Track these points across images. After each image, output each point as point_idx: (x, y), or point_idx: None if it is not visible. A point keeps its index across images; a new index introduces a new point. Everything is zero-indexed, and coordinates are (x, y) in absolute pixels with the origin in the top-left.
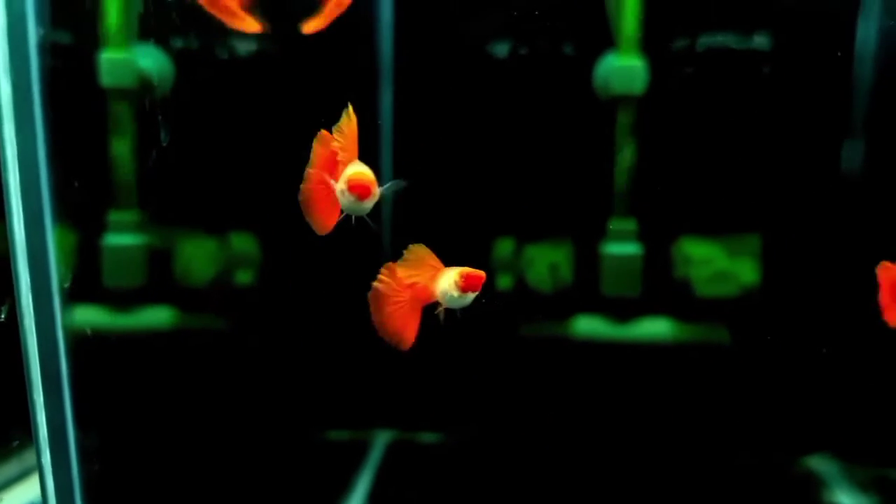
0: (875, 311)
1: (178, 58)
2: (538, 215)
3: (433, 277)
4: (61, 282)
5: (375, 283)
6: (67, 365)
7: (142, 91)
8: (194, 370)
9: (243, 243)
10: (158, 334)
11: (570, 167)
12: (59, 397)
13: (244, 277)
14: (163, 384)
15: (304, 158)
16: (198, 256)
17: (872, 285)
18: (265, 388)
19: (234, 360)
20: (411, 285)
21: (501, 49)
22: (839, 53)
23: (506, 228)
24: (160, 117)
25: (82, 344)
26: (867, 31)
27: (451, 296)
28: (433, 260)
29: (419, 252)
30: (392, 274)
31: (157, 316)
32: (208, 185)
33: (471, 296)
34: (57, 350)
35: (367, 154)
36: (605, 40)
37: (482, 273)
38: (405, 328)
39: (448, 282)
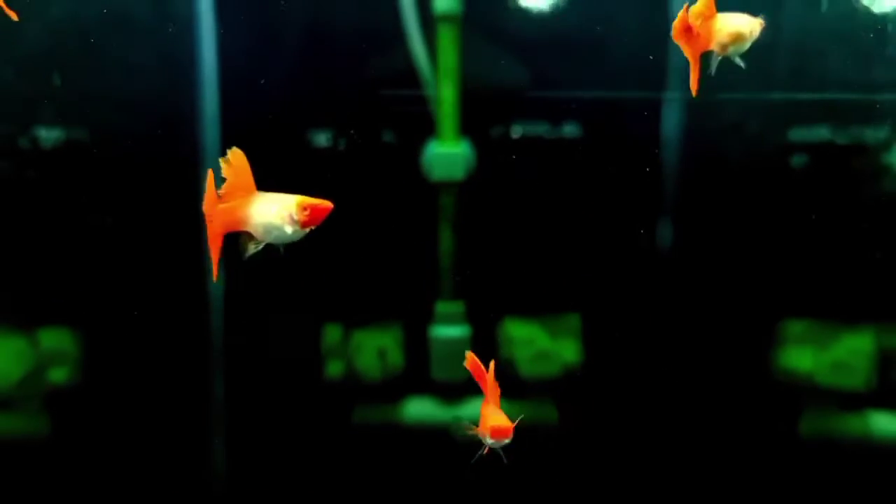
0: (696, 382)
1: None
2: (365, 300)
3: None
4: None
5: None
6: None
7: None
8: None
9: (57, 340)
10: None
11: (397, 251)
12: None
13: (58, 376)
14: None
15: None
16: (3, 356)
17: (690, 357)
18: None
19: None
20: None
21: (329, 136)
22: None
23: (333, 314)
24: None
25: None
26: (671, 120)
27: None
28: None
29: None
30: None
31: None
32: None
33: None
34: None
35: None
36: (431, 128)
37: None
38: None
39: (280, 212)
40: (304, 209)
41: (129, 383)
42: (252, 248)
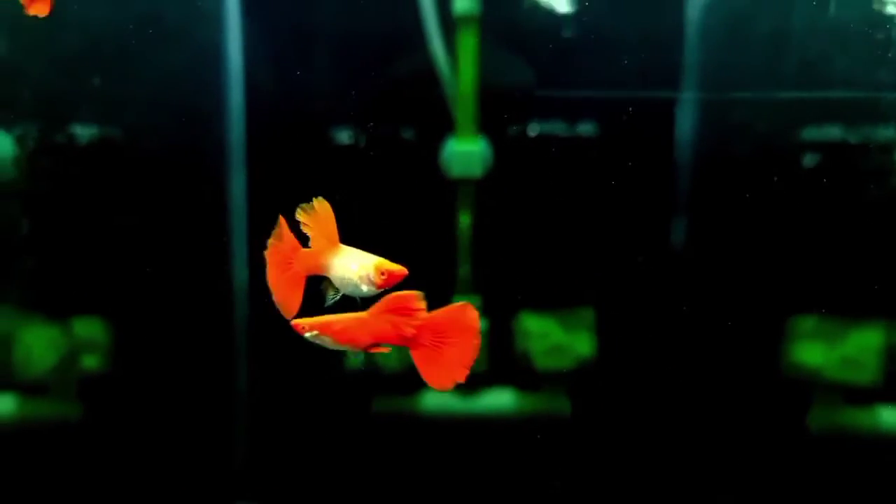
0: (707, 377)
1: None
2: (385, 293)
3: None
4: None
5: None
6: None
7: None
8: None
9: (89, 328)
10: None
11: (416, 246)
12: None
13: (90, 363)
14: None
15: (149, 240)
16: (38, 344)
17: (701, 352)
18: (117, 479)
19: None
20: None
21: (351, 134)
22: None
23: (354, 307)
24: None
25: None
26: (685, 119)
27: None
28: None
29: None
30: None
31: None
32: (50, 268)
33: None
34: None
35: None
36: (450, 126)
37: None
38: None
39: (359, 271)
40: (382, 273)
41: (157, 370)
42: (332, 296)
